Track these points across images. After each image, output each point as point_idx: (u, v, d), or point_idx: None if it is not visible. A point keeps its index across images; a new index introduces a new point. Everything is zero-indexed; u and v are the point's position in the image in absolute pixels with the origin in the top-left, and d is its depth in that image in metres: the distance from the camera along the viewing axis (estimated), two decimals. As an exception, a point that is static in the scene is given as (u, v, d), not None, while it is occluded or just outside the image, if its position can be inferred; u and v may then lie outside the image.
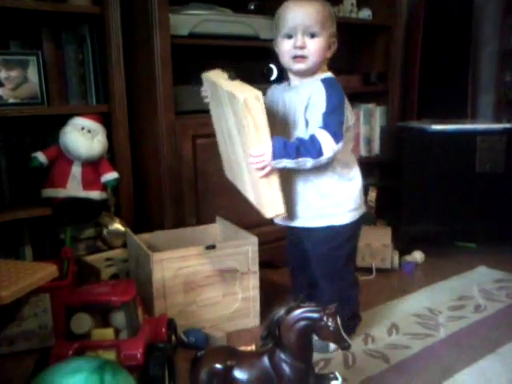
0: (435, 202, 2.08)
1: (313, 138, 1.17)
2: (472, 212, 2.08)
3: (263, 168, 1.11)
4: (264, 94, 1.20)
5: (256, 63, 1.88)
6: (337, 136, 1.18)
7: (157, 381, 1.04)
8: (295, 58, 1.26)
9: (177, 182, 1.68)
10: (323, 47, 1.25)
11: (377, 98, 2.51)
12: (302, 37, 1.24)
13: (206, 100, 1.37)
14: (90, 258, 1.62)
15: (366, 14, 2.45)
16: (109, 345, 1.07)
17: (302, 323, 0.89)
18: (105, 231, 1.67)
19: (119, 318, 1.10)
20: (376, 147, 2.51)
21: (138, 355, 1.04)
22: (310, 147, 1.16)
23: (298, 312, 0.90)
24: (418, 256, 2.03)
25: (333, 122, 1.19)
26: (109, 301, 1.09)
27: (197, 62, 1.77)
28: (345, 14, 2.40)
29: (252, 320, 1.50)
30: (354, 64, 2.57)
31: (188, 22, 1.69)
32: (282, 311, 0.91)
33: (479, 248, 2.20)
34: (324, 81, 1.26)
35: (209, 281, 1.43)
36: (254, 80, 1.79)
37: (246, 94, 1.03)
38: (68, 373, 0.86)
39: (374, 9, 2.45)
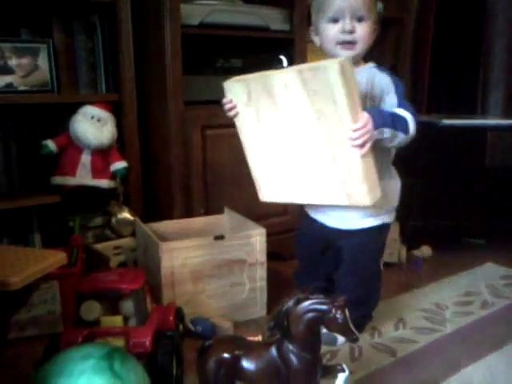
0: (443, 197, 2.07)
1: (397, 113, 1.12)
2: (480, 208, 2.08)
3: (364, 144, 1.02)
4: None
5: (266, 54, 1.87)
6: (415, 118, 1.13)
7: (165, 368, 1.04)
8: (343, 43, 1.18)
9: (186, 173, 1.69)
10: (370, 32, 1.19)
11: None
12: (350, 20, 1.16)
13: (232, 113, 1.19)
14: (99, 246, 1.63)
15: (378, 6, 2.42)
16: (118, 332, 1.07)
17: (311, 315, 0.89)
18: (113, 220, 1.68)
19: (128, 305, 1.10)
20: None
21: (147, 343, 1.05)
22: (401, 120, 1.10)
23: (306, 303, 0.90)
24: (425, 251, 2.03)
25: (408, 106, 1.15)
26: (118, 288, 1.09)
27: (207, 52, 1.78)
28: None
29: (259, 311, 1.50)
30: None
31: (199, 11, 1.69)
32: (290, 302, 0.91)
33: (487, 244, 2.19)
34: (380, 68, 1.22)
35: (217, 271, 1.43)
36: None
37: (334, 61, 0.97)
38: (78, 359, 0.86)
39: (385, 1, 2.43)
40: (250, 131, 1.18)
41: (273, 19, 1.84)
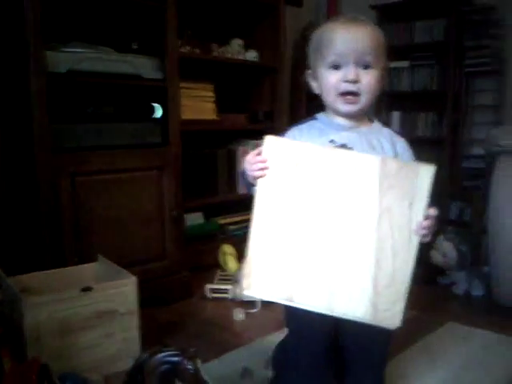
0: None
1: None
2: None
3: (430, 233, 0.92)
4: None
5: (139, 102, 1.90)
6: None
7: None
8: (344, 94, 1.01)
9: (56, 221, 1.64)
10: (377, 82, 1.02)
11: (264, 136, 2.62)
12: (354, 67, 0.99)
13: (259, 173, 0.93)
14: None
15: (252, 55, 2.57)
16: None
17: (164, 367, 0.91)
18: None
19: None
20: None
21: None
22: None
23: (159, 356, 0.91)
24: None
25: None
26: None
27: (78, 100, 1.77)
28: (232, 54, 2.51)
29: (132, 361, 1.48)
30: (242, 103, 2.68)
31: (67, 59, 1.68)
32: (144, 355, 0.92)
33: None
34: (393, 130, 1.12)
35: (87, 323, 1.39)
36: (137, 118, 1.85)
37: (430, 166, 0.90)
38: None
39: (260, 50, 2.59)
40: (274, 203, 0.93)
41: (145, 67, 1.87)
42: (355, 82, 0.99)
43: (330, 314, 0.92)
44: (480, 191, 2.30)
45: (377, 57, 1.01)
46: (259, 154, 0.94)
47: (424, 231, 0.89)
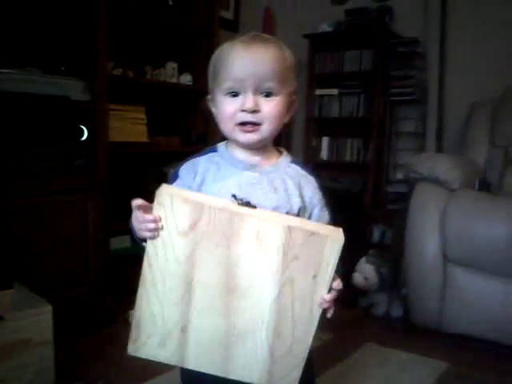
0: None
1: None
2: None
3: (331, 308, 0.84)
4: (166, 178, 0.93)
5: (67, 124, 1.87)
6: None
7: None
8: (243, 125, 0.89)
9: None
10: (282, 110, 0.90)
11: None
12: (253, 96, 0.87)
13: (148, 234, 0.80)
14: None
15: (186, 78, 2.60)
16: None
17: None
18: None
19: None
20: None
21: None
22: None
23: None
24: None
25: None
26: None
27: (2, 122, 1.72)
28: (166, 77, 2.52)
29: (47, 393, 1.43)
30: (175, 125, 2.69)
31: (-10, 79, 1.64)
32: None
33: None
34: (300, 164, 0.98)
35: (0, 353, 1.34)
36: (64, 141, 1.82)
37: (340, 235, 0.80)
38: None
39: (195, 74, 2.62)
40: (166, 265, 0.83)
41: (73, 89, 1.85)
42: (254, 111, 0.87)
43: (226, 376, 0.87)
44: (401, 215, 2.42)
45: (281, 82, 0.88)
46: (147, 210, 0.79)
47: (327, 304, 0.82)
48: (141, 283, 0.83)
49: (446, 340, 1.92)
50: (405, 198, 2.45)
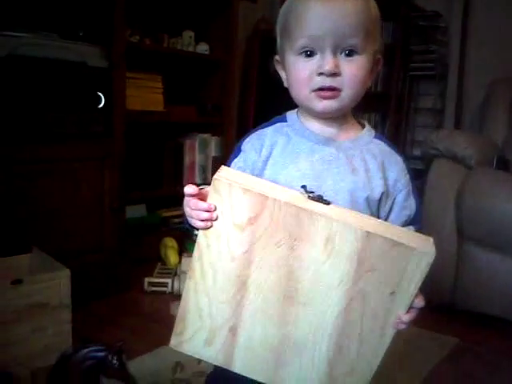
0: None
1: None
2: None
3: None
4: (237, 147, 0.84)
5: (83, 90, 1.86)
6: None
7: None
8: (320, 90, 0.75)
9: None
10: (366, 72, 0.76)
11: (212, 129, 2.63)
12: (332, 55, 0.73)
13: (202, 224, 0.69)
14: None
15: (203, 48, 2.56)
16: None
17: (88, 363, 0.91)
18: None
19: None
20: (209, 176, 2.62)
21: None
22: None
23: (83, 352, 0.91)
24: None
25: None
26: None
27: (18, 86, 1.72)
28: (183, 46, 2.49)
29: (64, 355, 1.46)
30: (191, 95, 2.66)
31: (7, 43, 1.62)
32: (68, 351, 0.92)
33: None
34: (387, 141, 0.83)
35: (16, 316, 1.36)
36: (80, 107, 1.81)
37: (423, 245, 0.66)
38: None
39: (211, 44, 2.59)
40: (220, 258, 0.73)
41: (90, 55, 1.83)
42: (334, 74, 0.73)
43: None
44: (418, 191, 2.40)
45: (366, 38, 0.74)
46: (202, 196, 0.69)
47: (403, 326, 0.69)
48: (189, 275, 0.74)
49: (458, 317, 1.92)
50: (422, 175, 2.43)
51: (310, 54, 0.74)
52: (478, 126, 2.69)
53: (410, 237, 0.68)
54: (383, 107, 3.14)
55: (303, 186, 0.70)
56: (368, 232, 0.64)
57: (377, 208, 0.79)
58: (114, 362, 0.90)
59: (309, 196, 0.68)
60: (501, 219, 1.80)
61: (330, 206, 0.68)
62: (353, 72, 0.74)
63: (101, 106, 1.87)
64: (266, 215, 0.67)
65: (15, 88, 1.70)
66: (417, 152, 3.01)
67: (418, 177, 2.88)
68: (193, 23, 2.60)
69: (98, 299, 1.83)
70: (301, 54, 0.75)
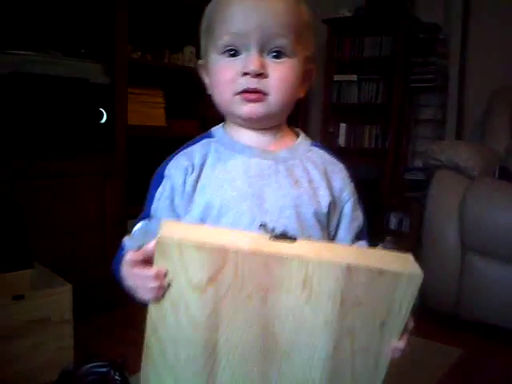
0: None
1: None
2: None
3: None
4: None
5: (86, 107, 1.88)
6: None
7: None
8: (244, 93, 0.68)
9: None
10: (296, 77, 0.69)
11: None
12: (258, 55, 0.66)
13: (152, 294, 0.58)
14: None
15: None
16: None
17: (90, 378, 0.91)
18: None
19: None
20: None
21: None
22: None
23: (86, 367, 0.91)
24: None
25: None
26: None
27: (23, 104, 1.74)
28: (184, 61, 2.51)
29: (66, 370, 1.46)
30: (193, 110, 2.68)
31: (12, 61, 1.65)
32: (70, 367, 0.92)
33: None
34: (323, 148, 0.77)
35: (17, 332, 1.36)
36: (83, 123, 1.83)
37: (408, 267, 0.60)
38: None
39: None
40: (180, 330, 0.61)
41: (92, 72, 1.86)
42: (260, 75, 0.66)
43: None
44: (419, 203, 2.40)
45: (297, 41, 0.67)
46: (148, 257, 0.58)
47: (399, 353, 0.63)
48: (145, 354, 0.63)
49: (461, 327, 1.91)
50: (423, 186, 2.43)
51: (234, 53, 0.68)
52: (479, 136, 2.69)
53: (391, 260, 0.61)
54: (384, 119, 3.15)
55: (263, 225, 0.61)
56: (348, 265, 0.57)
57: (326, 222, 0.72)
58: (117, 377, 0.90)
59: (271, 236, 0.58)
60: (503, 229, 1.79)
61: (298, 241, 0.59)
62: (281, 75, 0.67)
63: (103, 121, 1.89)
64: (229, 269, 0.57)
65: (18, 105, 1.72)
66: (418, 163, 3.02)
67: (420, 188, 2.90)
68: (194, 39, 2.63)
69: (100, 313, 1.83)
70: (224, 53, 0.68)
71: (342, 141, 3.31)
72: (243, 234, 0.60)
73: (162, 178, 0.73)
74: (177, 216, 0.71)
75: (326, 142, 3.28)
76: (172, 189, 0.71)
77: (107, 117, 1.89)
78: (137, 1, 2.15)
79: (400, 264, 0.60)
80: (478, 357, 1.71)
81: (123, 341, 1.68)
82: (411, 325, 0.62)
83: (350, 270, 0.57)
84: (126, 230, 2.11)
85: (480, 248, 1.88)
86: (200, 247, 0.56)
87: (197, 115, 2.62)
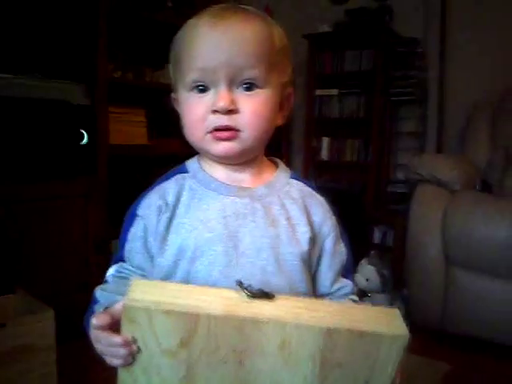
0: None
1: None
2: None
3: None
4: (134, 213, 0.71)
5: (66, 128, 1.87)
6: None
7: None
8: (216, 131, 0.65)
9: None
10: (271, 108, 0.66)
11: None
12: (228, 90, 0.63)
13: (119, 361, 0.57)
14: None
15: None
16: None
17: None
18: None
19: None
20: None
21: None
22: None
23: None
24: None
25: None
26: None
27: (2, 127, 1.72)
28: (165, 80, 2.51)
29: (50, 398, 1.43)
30: (176, 128, 2.67)
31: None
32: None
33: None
34: (302, 180, 0.74)
35: (1, 360, 1.34)
36: (64, 145, 1.81)
37: (393, 327, 0.58)
38: None
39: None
40: None
41: (73, 93, 1.85)
42: (230, 111, 0.63)
43: None
44: (402, 215, 2.42)
45: (269, 70, 0.64)
46: (116, 320, 0.55)
47: None
48: None
49: (447, 341, 1.92)
50: (406, 199, 2.45)
51: (202, 89, 0.65)
52: (460, 148, 2.73)
53: (376, 318, 0.58)
54: (366, 132, 3.18)
55: (239, 283, 0.56)
56: (328, 328, 0.54)
57: (307, 261, 0.68)
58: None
59: (248, 294, 0.55)
60: (485, 242, 1.81)
61: (276, 299, 0.56)
62: (253, 109, 0.64)
63: (84, 142, 1.88)
64: (202, 334, 0.54)
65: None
66: (400, 176, 3.04)
67: (403, 201, 2.92)
68: (175, 56, 2.63)
69: (83, 338, 1.80)
70: (193, 89, 0.65)
71: (324, 155, 3.33)
72: (217, 294, 0.56)
73: (134, 217, 0.70)
74: (150, 257, 0.68)
75: (309, 155, 3.31)
76: (145, 229, 0.68)
77: (88, 138, 1.88)
78: (116, 19, 2.15)
79: (384, 323, 0.57)
80: (465, 371, 1.72)
81: (107, 366, 1.65)
82: (398, 381, 0.59)
83: (329, 333, 0.54)
84: (109, 252, 2.11)
85: (463, 261, 1.90)
86: (169, 312, 0.52)
87: (180, 133, 2.61)
